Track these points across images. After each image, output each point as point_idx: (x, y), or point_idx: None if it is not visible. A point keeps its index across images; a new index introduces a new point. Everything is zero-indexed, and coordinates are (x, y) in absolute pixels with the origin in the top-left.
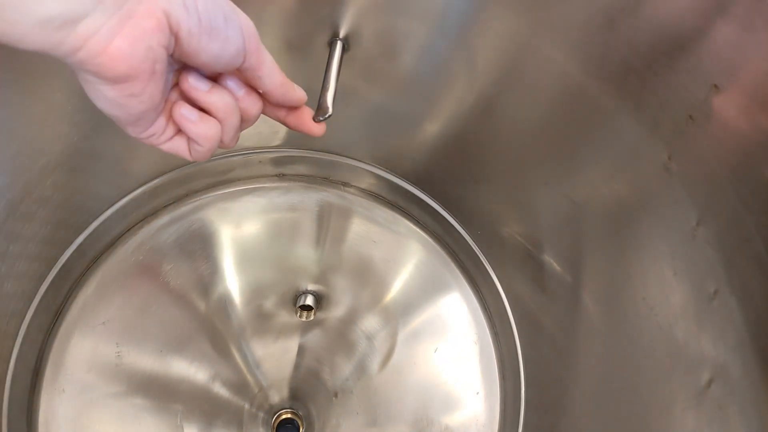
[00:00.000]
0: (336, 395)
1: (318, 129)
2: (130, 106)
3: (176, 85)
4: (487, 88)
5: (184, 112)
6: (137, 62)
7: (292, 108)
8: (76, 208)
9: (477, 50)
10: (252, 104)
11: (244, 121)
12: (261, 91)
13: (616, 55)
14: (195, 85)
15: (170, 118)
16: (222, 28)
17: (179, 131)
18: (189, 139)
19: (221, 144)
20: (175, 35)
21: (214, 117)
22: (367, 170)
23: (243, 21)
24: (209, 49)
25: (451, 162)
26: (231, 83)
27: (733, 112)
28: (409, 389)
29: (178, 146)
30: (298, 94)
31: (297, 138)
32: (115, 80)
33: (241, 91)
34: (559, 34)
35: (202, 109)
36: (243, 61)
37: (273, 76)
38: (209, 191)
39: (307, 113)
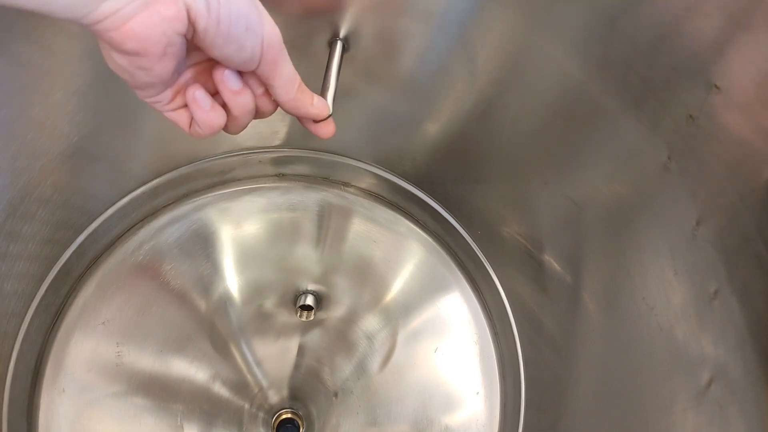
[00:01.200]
0: (336, 395)
1: (324, 131)
2: (137, 75)
3: (194, 65)
4: (488, 88)
5: (198, 97)
6: (149, 44)
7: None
8: (76, 208)
9: (477, 50)
10: (266, 104)
11: (257, 115)
12: (273, 98)
13: (616, 55)
14: (227, 82)
15: (179, 92)
16: (240, 35)
17: (185, 105)
18: (193, 118)
19: (225, 130)
20: (193, 26)
21: (229, 112)
22: (367, 170)
23: (267, 32)
24: (223, 49)
25: (452, 162)
26: (252, 81)
27: (734, 112)
28: (409, 389)
29: (180, 118)
30: (314, 110)
31: (297, 138)
32: (125, 53)
33: (259, 90)
34: (559, 34)
35: (215, 95)
36: (256, 68)
37: (286, 88)
38: (209, 191)
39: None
